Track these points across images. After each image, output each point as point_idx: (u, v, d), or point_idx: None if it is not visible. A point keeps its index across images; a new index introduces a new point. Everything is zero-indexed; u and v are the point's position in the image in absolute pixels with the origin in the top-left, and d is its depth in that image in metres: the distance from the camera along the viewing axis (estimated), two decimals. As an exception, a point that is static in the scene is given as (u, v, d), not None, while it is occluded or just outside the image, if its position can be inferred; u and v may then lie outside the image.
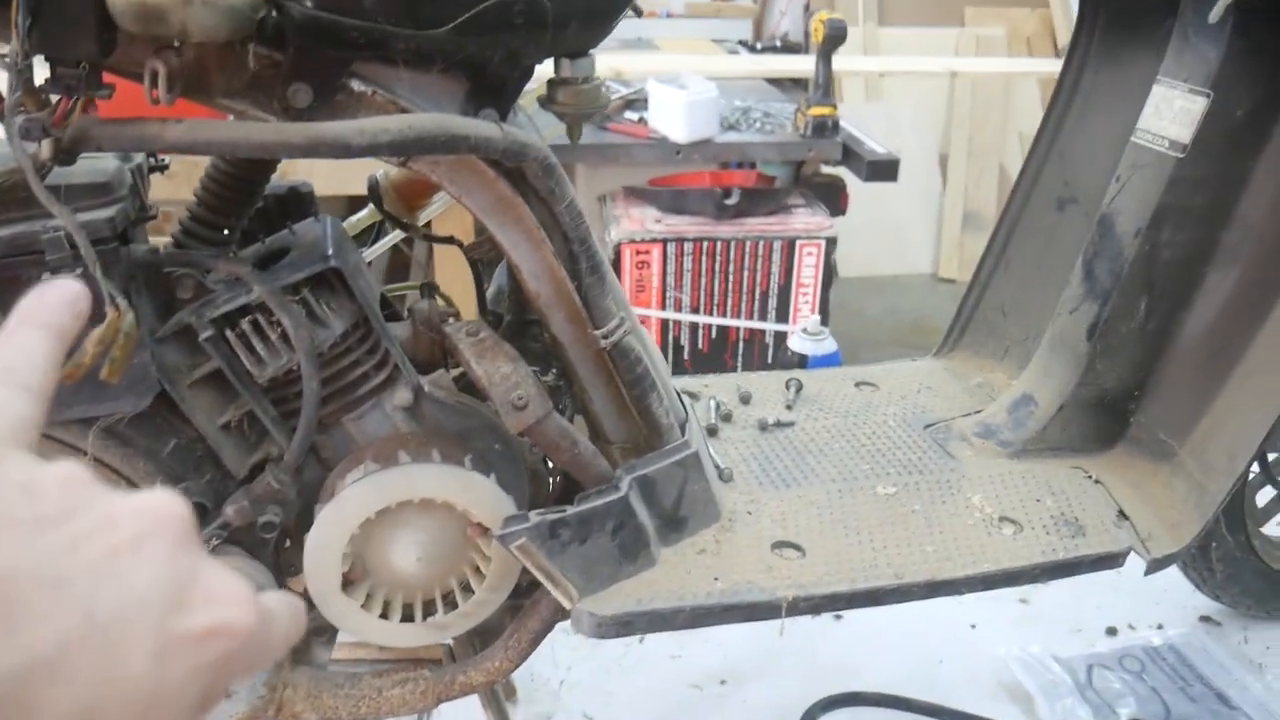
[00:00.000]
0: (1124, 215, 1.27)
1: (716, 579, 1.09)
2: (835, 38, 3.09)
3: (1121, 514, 1.24)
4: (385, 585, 1.06)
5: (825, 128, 3.17)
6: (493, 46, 0.92)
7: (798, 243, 3.06)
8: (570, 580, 1.03)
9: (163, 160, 1.13)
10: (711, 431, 1.36)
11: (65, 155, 0.88)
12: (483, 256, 1.19)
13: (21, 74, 0.79)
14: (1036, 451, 1.33)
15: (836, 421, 1.39)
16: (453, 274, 2.91)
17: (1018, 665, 1.53)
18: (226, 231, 1.07)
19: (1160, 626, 1.63)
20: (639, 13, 1.02)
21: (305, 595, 1.05)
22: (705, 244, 3.01)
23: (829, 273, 3.12)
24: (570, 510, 1.03)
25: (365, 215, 1.20)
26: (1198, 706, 1.49)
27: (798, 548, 1.14)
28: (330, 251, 1.04)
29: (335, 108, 0.93)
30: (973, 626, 1.63)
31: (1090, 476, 1.30)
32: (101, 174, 1.00)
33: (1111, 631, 1.62)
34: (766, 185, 3.21)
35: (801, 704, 1.47)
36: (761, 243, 3.03)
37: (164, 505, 0.33)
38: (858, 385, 1.49)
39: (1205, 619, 1.67)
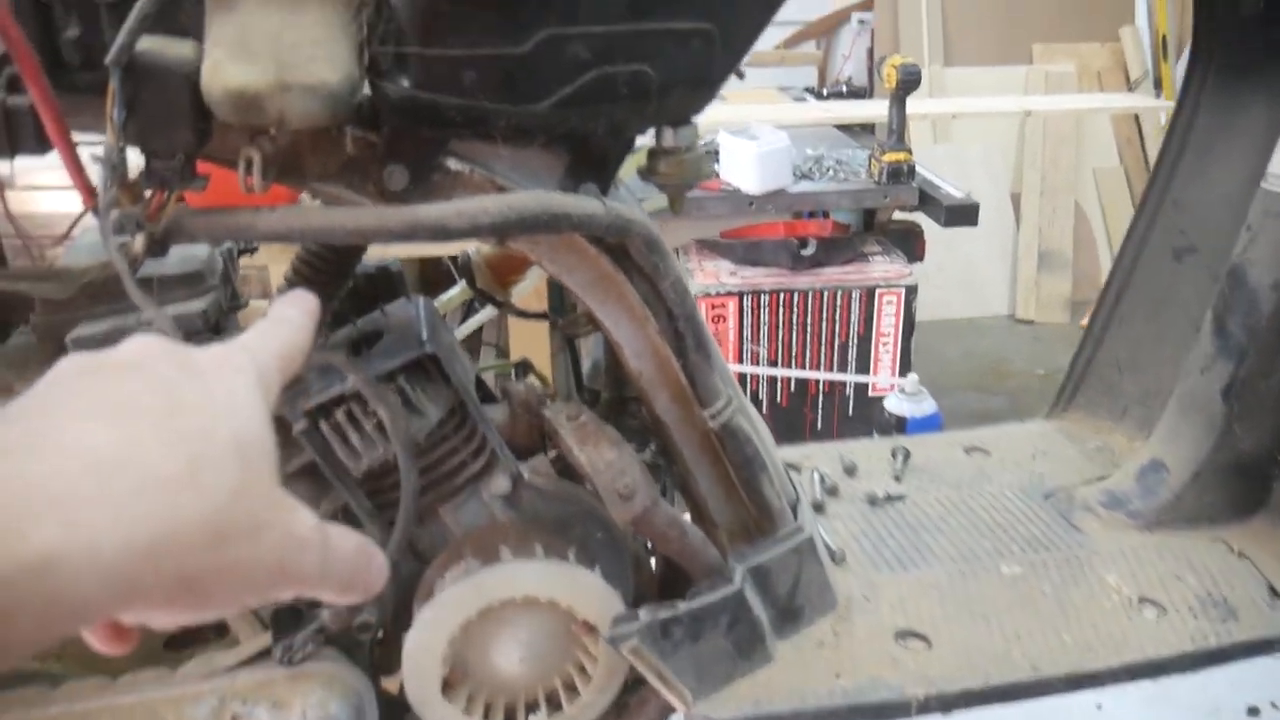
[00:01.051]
0: (1258, 267, 1.18)
1: (838, 675, 1.01)
2: (909, 82, 3.04)
3: (1273, 591, 1.15)
4: (487, 687, 1.00)
5: (901, 173, 3.11)
6: (595, 119, 0.87)
7: (877, 291, 2.98)
8: (684, 682, 0.97)
9: (252, 243, 1.11)
10: (817, 508, 1.29)
11: (158, 248, 0.85)
12: (577, 332, 1.14)
13: (116, 168, 0.76)
14: (1171, 523, 1.24)
15: (949, 493, 1.31)
16: (527, 345, 2.88)
17: (1153, 750, 1.42)
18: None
19: (1305, 705, 1.51)
20: (742, 76, 0.97)
21: (402, 697, 1.00)
22: (782, 295, 2.95)
23: (910, 321, 3.03)
24: (682, 606, 0.96)
25: (456, 293, 1.17)
26: (1354, 794, 1.36)
27: (923, 638, 1.06)
28: (425, 336, 0.99)
29: (432, 188, 0.89)
30: (1099, 707, 1.52)
31: (1233, 550, 1.20)
32: (193, 263, 0.97)
33: (1253, 712, 1.50)
34: (842, 234, 3.14)
35: (919, 794, 1.38)
36: (840, 293, 2.97)
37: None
38: (968, 451, 1.41)
39: (1355, 696, 1.54)
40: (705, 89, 0.90)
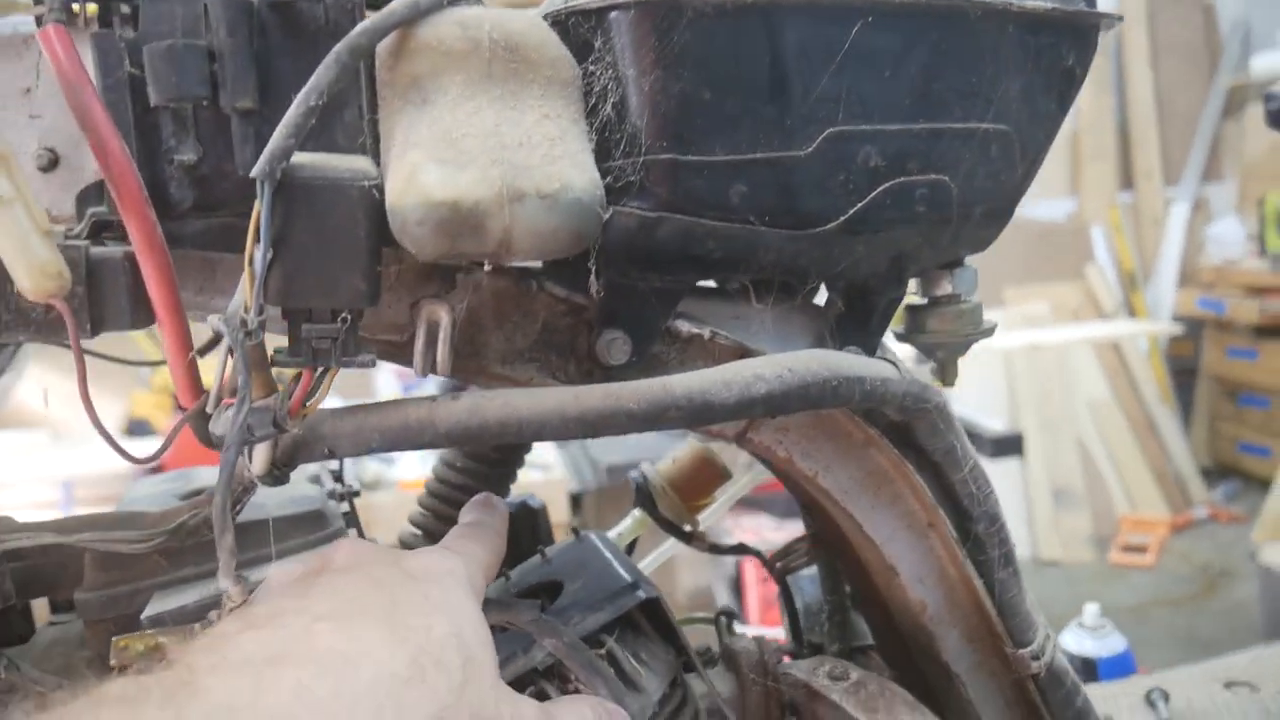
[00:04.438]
0: None
1: None
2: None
3: None
4: None
5: (937, 408, 2.93)
6: (882, 250, 0.65)
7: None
8: None
9: (353, 485, 0.84)
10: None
11: (281, 470, 0.58)
12: (791, 566, 0.87)
13: (252, 334, 0.51)
14: None
15: (1249, 745, 1.01)
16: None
17: None
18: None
19: None
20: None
21: None
22: (836, 547, 2.67)
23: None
24: None
25: (630, 526, 0.90)
26: None
27: None
28: (630, 579, 0.72)
29: (652, 363, 0.65)
30: None
31: None
32: (307, 500, 0.70)
33: None
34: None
35: None
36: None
37: None
38: (1229, 687, 1.12)
39: None
40: (1003, 211, 0.69)
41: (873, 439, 0.70)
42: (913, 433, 0.69)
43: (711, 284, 0.67)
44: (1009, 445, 2.83)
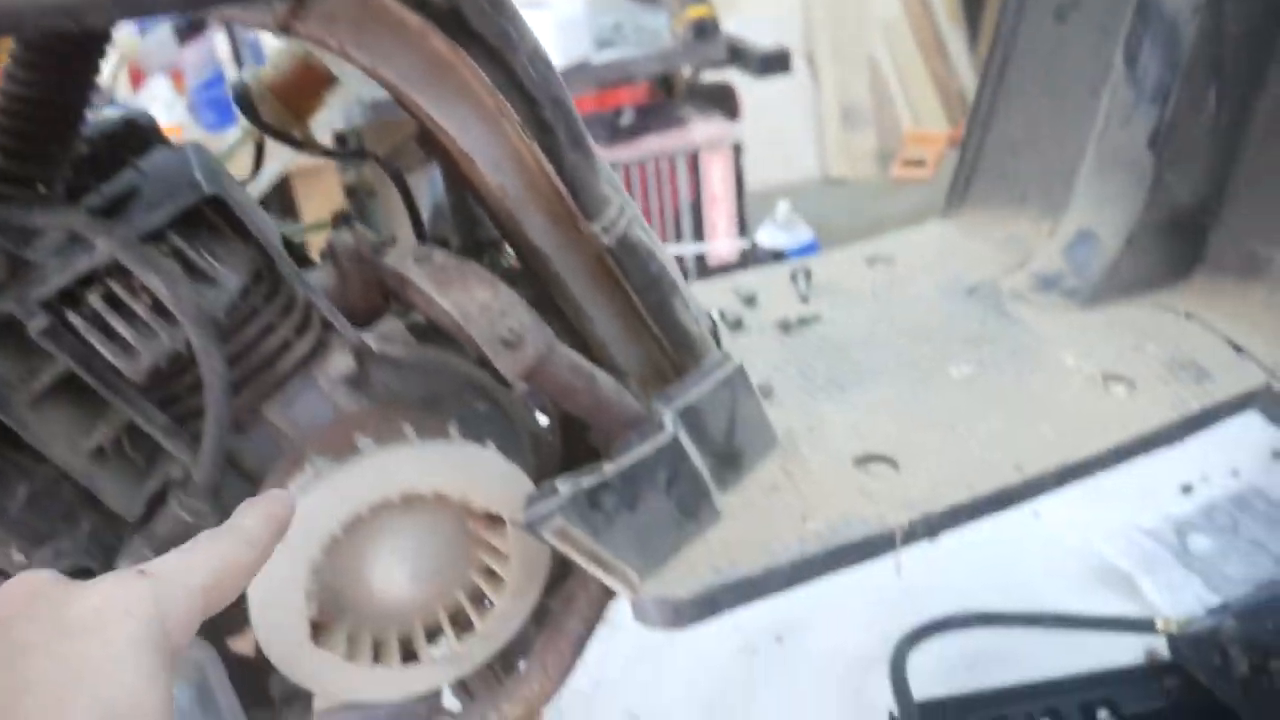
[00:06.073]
0: (1170, -8, 1.05)
1: (805, 519, 0.83)
2: (700, -68, 2.84)
3: (1234, 346, 1.03)
4: (370, 620, 0.77)
5: (706, 30, 2.91)
6: None
7: (702, 155, 2.81)
8: (626, 560, 0.76)
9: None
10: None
11: None
12: (407, 165, 0.89)
13: None
14: (1109, 295, 1.11)
15: (868, 307, 1.14)
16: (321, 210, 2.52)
17: (1105, 546, 1.33)
18: (41, 187, 0.75)
19: (1236, 473, 1.45)
20: None
21: (261, 656, 0.75)
22: (605, 172, 2.73)
23: (740, 181, 2.88)
24: (610, 468, 0.75)
25: (239, 137, 0.89)
26: (1303, 551, 1.31)
27: (888, 460, 0.89)
28: (199, 177, 0.73)
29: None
30: (1036, 515, 1.42)
31: (1181, 312, 1.08)
32: None
33: (1186, 489, 1.43)
34: (659, 99, 2.94)
35: (876, 649, 1.23)
36: (664, 161, 2.77)
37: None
38: (870, 263, 1.25)
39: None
40: None
41: (426, 25, 0.70)
42: (465, 18, 0.69)
43: None
44: (775, 63, 2.84)
